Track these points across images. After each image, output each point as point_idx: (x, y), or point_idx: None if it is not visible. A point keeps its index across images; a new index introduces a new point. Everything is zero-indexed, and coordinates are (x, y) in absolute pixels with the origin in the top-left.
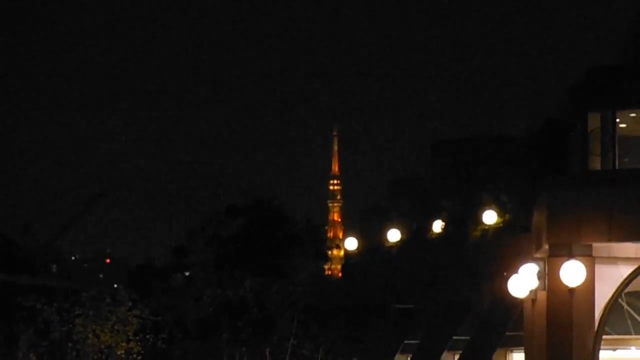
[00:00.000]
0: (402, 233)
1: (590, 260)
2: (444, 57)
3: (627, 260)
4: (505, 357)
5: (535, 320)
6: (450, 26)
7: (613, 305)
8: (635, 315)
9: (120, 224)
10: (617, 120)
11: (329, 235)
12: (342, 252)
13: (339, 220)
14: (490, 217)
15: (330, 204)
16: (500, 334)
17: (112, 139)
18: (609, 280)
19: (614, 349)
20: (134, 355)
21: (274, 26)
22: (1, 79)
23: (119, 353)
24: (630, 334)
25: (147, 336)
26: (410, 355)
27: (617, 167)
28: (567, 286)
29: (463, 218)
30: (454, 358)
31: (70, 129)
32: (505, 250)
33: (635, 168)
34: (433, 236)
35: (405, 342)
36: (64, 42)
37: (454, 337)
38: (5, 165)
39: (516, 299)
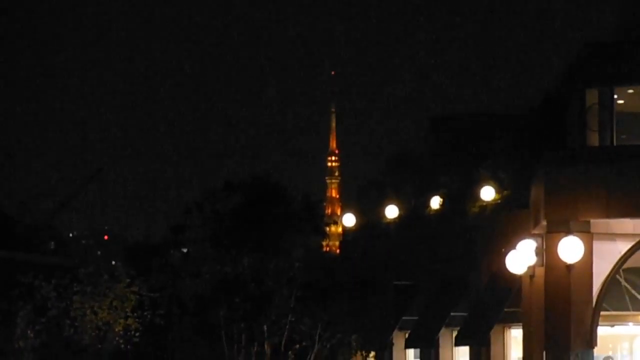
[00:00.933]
0: (400, 209)
1: (588, 236)
2: (443, 32)
3: (625, 236)
4: (503, 333)
5: (533, 297)
6: (450, 1)
7: (611, 281)
8: (633, 292)
9: (118, 200)
10: (615, 96)
11: (326, 211)
12: (339, 229)
13: (337, 196)
14: (488, 193)
15: (328, 181)
16: (498, 310)
17: (111, 116)
18: (607, 256)
19: (612, 325)
20: (132, 332)
21: (272, 1)
22: None
23: (116, 330)
24: (628, 310)
25: (145, 313)
26: (408, 331)
27: (615, 144)
28: (565, 262)
29: (461, 194)
30: (451, 334)
31: (68, 105)
32: (503, 227)
33: (633, 144)
34: (431, 212)
35: (403, 318)
36: (59, 12)
37: (452, 314)
38: (3, 141)
39: (514, 275)
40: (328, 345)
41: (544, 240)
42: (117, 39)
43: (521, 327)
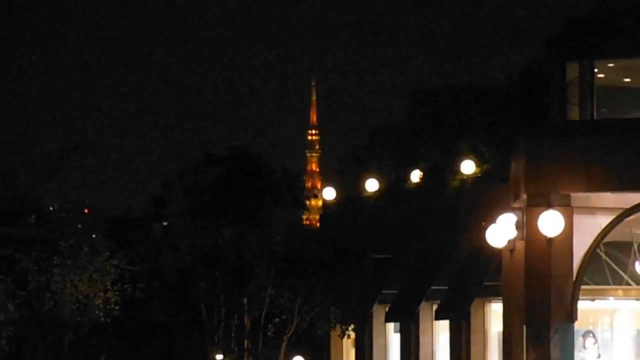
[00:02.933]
0: (380, 183)
1: (568, 210)
2: (425, 6)
3: (605, 210)
4: (484, 307)
5: (514, 270)
6: None
7: (591, 255)
8: (614, 266)
9: (99, 173)
10: (596, 70)
11: (307, 185)
12: (320, 202)
13: (317, 170)
14: (468, 166)
15: (308, 154)
16: (478, 284)
17: (91, 89)
18: (588, 230)
19: (593, 299)
20: (112, 305)
21: None
22: None
23: (96, 303)
24: (609, 285)
25: (125, 286)
26: (388, 305)
27: (595, 117)
28: (545, 236)
29: (441, 168)
30: (432, 308)
31: (49, 79)
32: (483, 200)
33: (614, 118)
34: (411, 186)
35: (383, 292)
36: None
37: (432, 287)
38: None
39: (494, 249)
40: (307, 319)
41: (524, 214)
42: (102, 12)
43: (501, 301)
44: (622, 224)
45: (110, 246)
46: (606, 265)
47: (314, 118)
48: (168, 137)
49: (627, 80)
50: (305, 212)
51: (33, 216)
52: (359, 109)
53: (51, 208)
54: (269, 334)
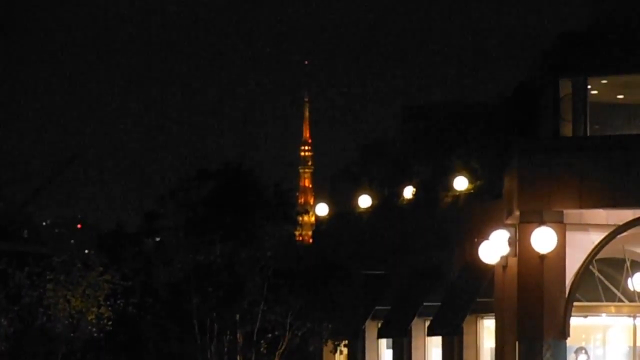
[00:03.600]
0: (372, 198)
1: (561, 226)
2: (416, 21)
3: (598, 226)
4: (476, 323)
5: (506, 287)
6: None
7: (584, 272)
8: (607, 282)
9: (92, 189)
10: (589, 86)
11: (300, 201)
12: (312, 218)
13: (310, 186)
14: (461, 183)
15: (301, 170)
16: (470, 300)
17: (84, 103)
18: (580, 246)
19: (585, 316)
20: (105, 320)
21: None
22: None
23: (89, 318)
24: (601, 301)
25: (118, 301)
26: (381, 321)
27: (588, 134)
28: (538, 253)
29: (433, 184)
30: (424, 324)
31: (40, 93)
32: (475, 217)
33: (607, 135)
34: (404, 202)
35: (376, 307)
36: None
37: (425, 303)
38: None
39: (487, 265)
40: (299, 334)
41: (517, 230)
42: (92, 26)
43: (494, 317)
44: (614, 240)
45: (103, 261)
46: (599, 282)
47: (306, 134)
48: (161, 152)
49: (620, 96)
50: (298, 228)
51: (26, 231)
52: (351, 124)
53: (44, 223)
54: (261, 349)
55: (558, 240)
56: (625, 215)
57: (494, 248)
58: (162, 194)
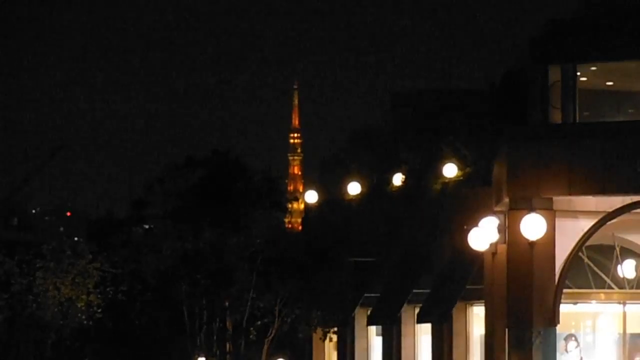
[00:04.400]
0: (362, 186)
1: (550, 213)
2: (404, 7)
3: (587, 213)
4: (466, 310)
5: (496, 274)
6: None
7: (573, 259)
8: (596, 269)
9: (81, 176)
10: (578, 73)
11: (289, 188)
12: (302, 205)
13: (299, 173)
14: (450, 170)
15: (290, 158)
16: (460, 287)
17: (72, 91)
18: (570, 233)
19: (575, 303)
20: (94, 308)
21: None
22: None
23: (79, 305)
24: (591, 288)
25: (107, 289)
26: (371, 308)
27: (577, 121)
28: (527, 239)
29: (423, 171)
30: (414, 311)
31: (30, 81)
32: (465, 204)
33: (596, 122)
34: (393, 189)
35: (365, 295)
36: None
37: (414, 291)
38: None
39: (476, 252)
40: (289, 321)
41: (506, 217)
42: (85, 10)
43: (483, 304)
44: (604, 227)
45: (93, 249)
46: (588, 269)
47: (296, 121)
48: (149, 140)
49: (610, 83)
50: (287, 215)
51: (15, 219)
52: (340, 112)
53: (34, 211)
54: (251, 336)
55: (547, 227)
56: (615, 202)
57: (483, 235)
58: (150, 182)
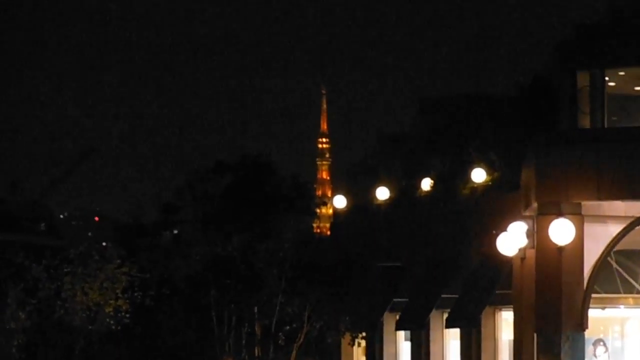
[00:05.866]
0: (390, 191)
1: (579, 218)
2: (433, 13)
3: (616, 218)
4: (494, 315)
5: (524, 279)
6: None
7: (602, 263)
8: (624, 274)
9: (109, 181)
10: (607, 78)
11: (317, 193)
12: (330, 210)
13: (328, 178)
14: (479, 175)
15: (319, 162)
16: (488, 292)
17: (101, 95)
18: (598, 238)
19: (603, 308)
20: (122, 313)
21: None
22: None
23: (107, 311)
24: (619, 293)
25: (136, 294)
26: (399, 313)
27: (605, 126)
28: (556, 245)
29: (452, 176)
30: (442, 316)
31: (59, 85)
32: (494, 209)
33: (624, 127)
34: (422, 194)
35: (394, 300)
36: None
37: (443, 295)
38: None
39: (505, 257)
40: (317, 326)
41: (535, 222)
42: (110, 16)
43: (512, 309)
44: (633, 232)
45: (121, 254)
46: (617, 274)
47: (324, 126)
48: (178, 144)
49: (638, 88)
50: (316, 220)
51: (43, 224)
52: (369, 117)
53: (61, 216)
54: (279, 341)
55: (576, 232)
56: None
57: (512, 240)
58: (179, 187)
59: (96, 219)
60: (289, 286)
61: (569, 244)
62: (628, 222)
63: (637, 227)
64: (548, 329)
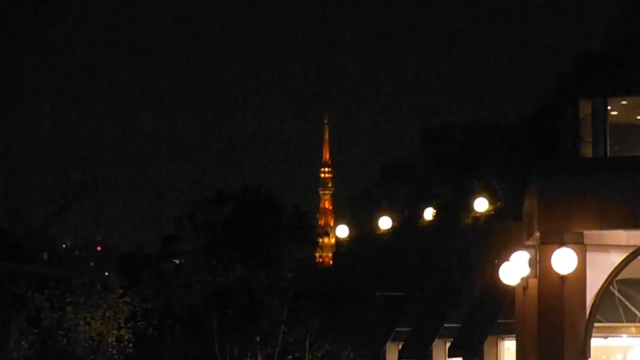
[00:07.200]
0: (393, 220)
1: (581, 247)
2: (435, 43)
3: (618, 247)
4: (497, 344)
5: (527, 308)
6: (440, 12)
7: (604, 292)
8: (627, 303)
9: (111, 211)
10: (609, 107)
11: (320, 223)
12: (332, 240)
13: (330, 208)
14: (481, 204)
15: (321, 192)
16: (491, 321)
17: (102, 126)
18: (601, 267)
19: (606, 337)
20: (125, 342)
21: (265, 13)
22: None
23: (109, 340)
24: (622, 322)
25: (138, 323)
26: (402, 342)
27: (608, 155)
28: (558, 274)
29: (454, 205)
30: (445, 345)
31: (60, 116)
32: (496, 238)
33: (626, 155)
34: (424, 223)
35: (397, 329)
36: (55, 27)
37: (445, 325)
38: None
39: (507, 286)
40: (319, 355)
41: (537, 251)
42: (111, 48)
43: (514, 338)
44: (635, 261)
45: (123, 284)
46: (619, 303)
47: (326, 155)
48: (180, 174)
49: None
50: (318, 249)
51: (46, 254)
52: (371, 146)
53: (64, 245)
54: None
55: (578, 261)
56: None
57: (514, 269)
58: (180, 217)
59: (98, 248)
60: (291, 315)
61: (572, 273)
62: (630, 251)
63: (639, 256)
64: (550, 358)
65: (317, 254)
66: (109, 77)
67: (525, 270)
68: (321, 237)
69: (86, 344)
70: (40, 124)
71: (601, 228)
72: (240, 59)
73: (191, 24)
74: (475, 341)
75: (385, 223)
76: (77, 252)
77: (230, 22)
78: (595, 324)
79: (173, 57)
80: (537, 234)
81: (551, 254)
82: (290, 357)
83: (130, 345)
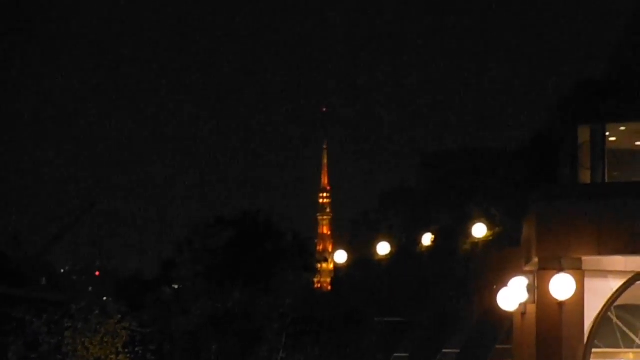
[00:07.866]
0: (391, 246)
1: (579, 273)
2: (434, 68)
3: (616, 273)
4: None
5: (525, 334)
6: (440, 38)
7: (603, 318)
8: (625, 329)
9: (110, 236)
10: (607, 133)
11: (318, 248)
12: (331, 265)
13: (329, 233)
14: (480, 230)
15: (320, 217)
16: (489, 347)
17: (102, 150)
18: (599, 293)
19: None
20: None
21: (263, 34)
22: None
23: None
24: (620, 347)
25: (136, 349)
26: None
27: (606, 181)
28: (556, 299)
29: (453, 231)
30: None
31: (59, 140)
32: (494, 264)
33: (625, 182)
34: (423, 249)
35: (395, 355)
36: (55, 38)
37: (444, 350)
38: None
39: (506, 312)
40: None
41: (536, 277)
42: (111, 66)
43: None
44: (633, 287)
45: (122, 309)
46: (617, 329)
47: (325, 181)
48: (178, 199)
49: (639, 143)
50: (317, 275)
51: (44, 278)
52: (370, 172)
53: (62, 270)
54: None
55: (577, 287)
56: None
57: (512, 295)
58: (179, 242)
59: (97, 273)
60: (290, 341)
61: (570, 299)
62: (628, 277)
63: (637, 282)
64: None
65: (315, 280)
66: (107, 102)
67: (524, 296)
68: (320, 263)
69: None
70: (38, 148)
71: (599, 254)
72: (237, 80)
73: (185, 41)
74: None
75: (383, 248)
76: (75, 277)
77: (227, 40)
78: (593, 350)
79: (169, 76)
80: (536, 260)
81: (549, 279)
82: None
83: None
